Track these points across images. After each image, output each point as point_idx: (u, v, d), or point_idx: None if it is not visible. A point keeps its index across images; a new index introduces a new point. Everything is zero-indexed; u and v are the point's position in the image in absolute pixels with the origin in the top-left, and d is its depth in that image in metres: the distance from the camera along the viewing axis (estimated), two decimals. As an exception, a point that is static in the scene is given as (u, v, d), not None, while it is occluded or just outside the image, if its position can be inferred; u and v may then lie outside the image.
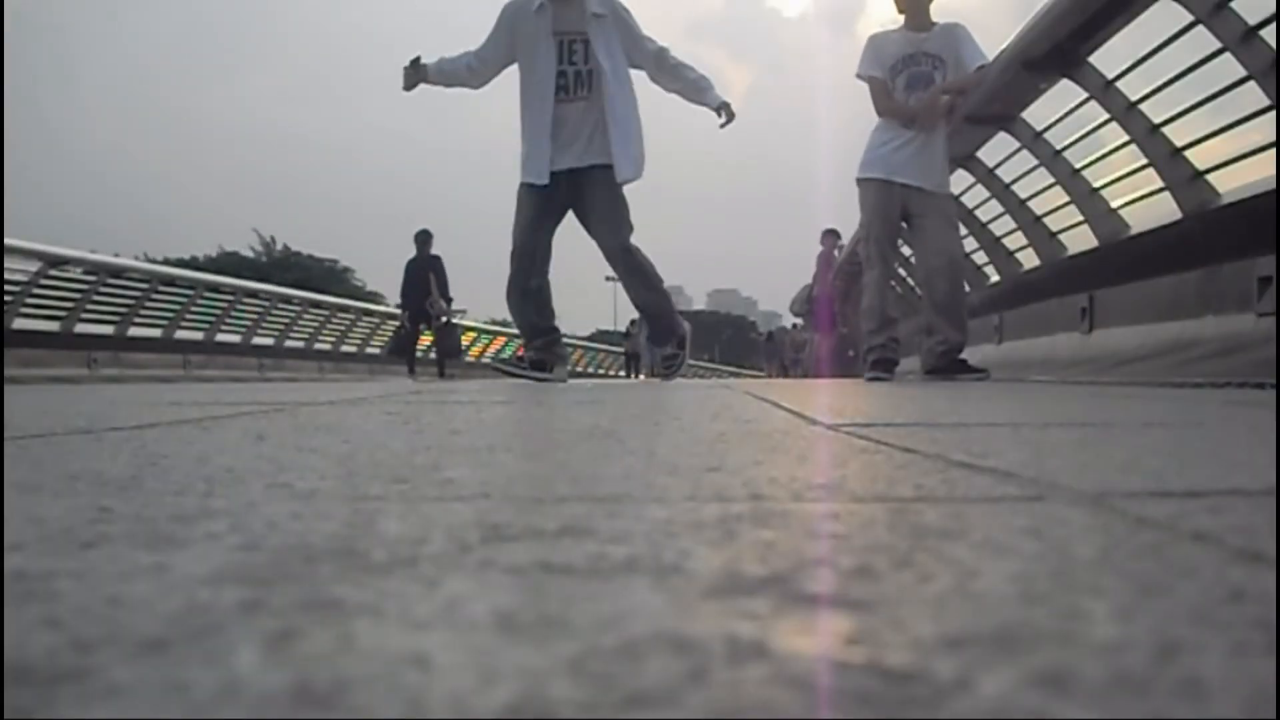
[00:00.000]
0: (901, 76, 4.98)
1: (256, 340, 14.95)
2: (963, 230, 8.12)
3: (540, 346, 4.69)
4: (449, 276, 10.95)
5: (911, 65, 4.97)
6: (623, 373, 20.11)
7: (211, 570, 0.51)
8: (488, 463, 1.02)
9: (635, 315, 19.61)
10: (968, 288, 8.55)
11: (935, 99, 4.89)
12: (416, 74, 4.64)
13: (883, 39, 5.05)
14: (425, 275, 10.66)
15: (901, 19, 5.01)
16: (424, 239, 10.93)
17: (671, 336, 4.96)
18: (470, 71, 4.66)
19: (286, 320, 15.87)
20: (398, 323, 11.84)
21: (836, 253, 11.63)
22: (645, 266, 4.65)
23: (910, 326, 6.96)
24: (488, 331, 22.58)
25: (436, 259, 10.89)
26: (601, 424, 1.65)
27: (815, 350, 12.25)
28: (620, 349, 27.53)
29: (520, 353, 4.86)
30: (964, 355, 5.01)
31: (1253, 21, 4.04)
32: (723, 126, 4.71)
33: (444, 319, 10.92)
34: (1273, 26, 3.93)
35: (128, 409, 2.16)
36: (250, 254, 51.30)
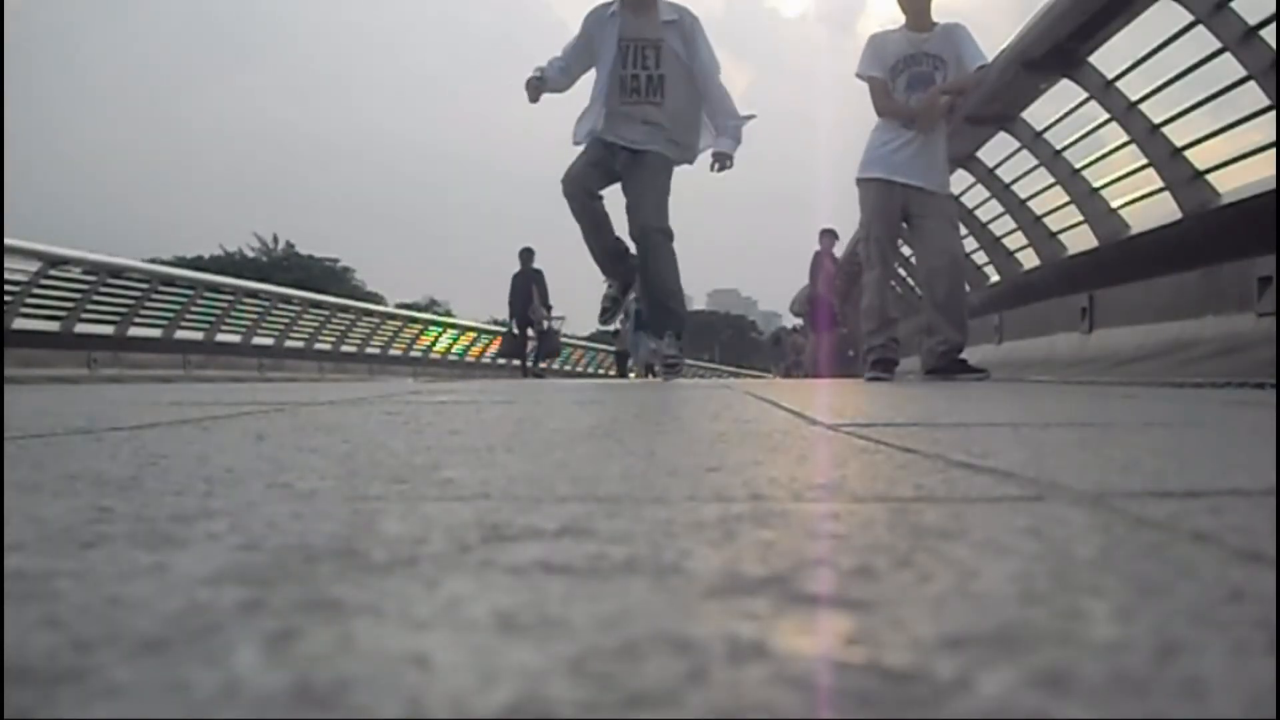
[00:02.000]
0: (902, 77, 4.98)
1: (256, 340, 14.95)
2: (963, 230, 8.12)
3: (614, 270, 4.91)
4: (546, 286, 12.49)
5: (912, 65, 4.97)
6: (613, 372, 20.10)
7: (211, 570, 0.51)
8: (488, 463, 1.02)
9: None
10: (968, 288, 8.56)
11: (935, 99, 4.89)
12: (538, 90, 4.81)
13: (883, 39, 5.05)
14: (529, 286, 12.22)
15: (902, 19, 5.01)
16: (528, 255, 12.42)
17: (672, 322, 5.01)
18: (560, 70, 4.84)
19: (286, 320, 15.87)
20: (505, 329, 13.67)
21: (835, 253, 11.61)
22: (672, 252, 4.80)
23: (910, 326, 6.96)
24: (488, 332, 22.56)
25: (538, 272, 12.40)
26: (601, 424, 1.65)
27: (815, 350, 12.24)
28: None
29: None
30: (964, 355, 5.01)
31: (1253, 21, 4.04)
32: (712, 170, 4.89)
33: (545, 324, 12.67)
34: (1273, 26, 3.93)
35: (128, 409, 2.16)
36: (250, 254, 51.33)
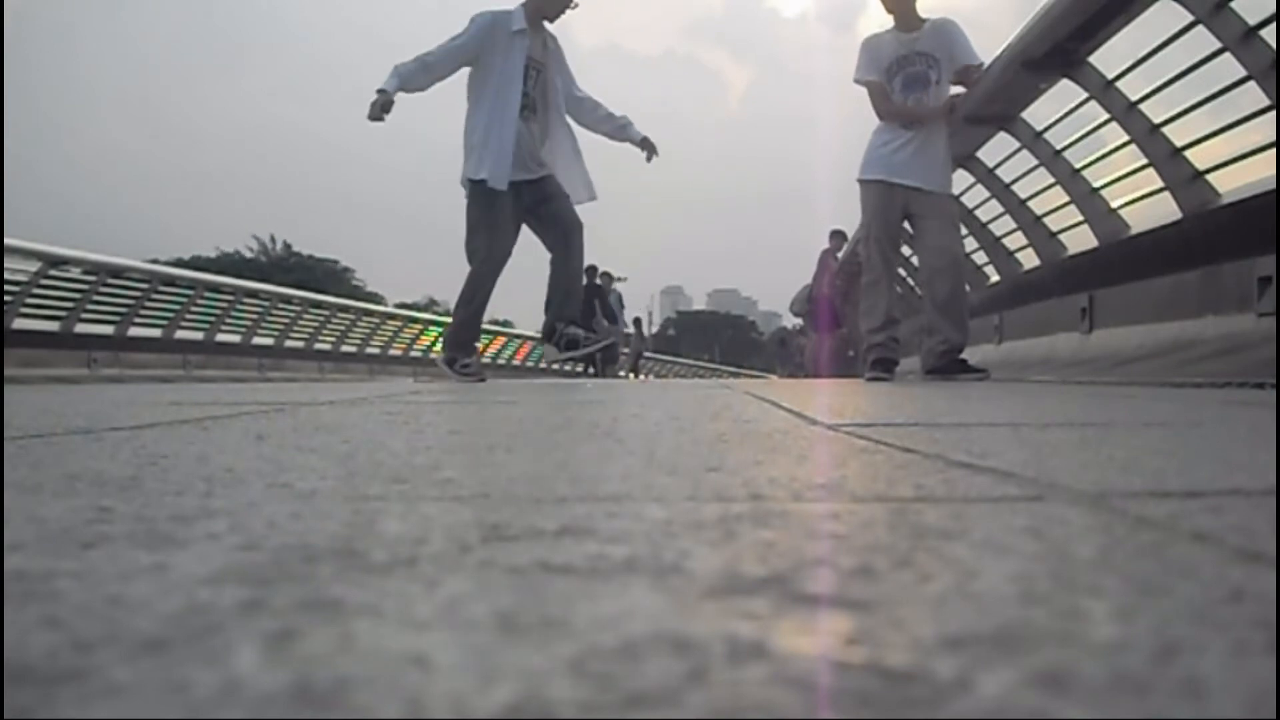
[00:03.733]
0: (898, 78, 5.00)
1: (256, 340, 14.94)
2: (963, 230, 8.12)
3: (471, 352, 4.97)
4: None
5: (906, 66, 4.99)
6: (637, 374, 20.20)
7: (211, 570, 0.51)
8: (488, 463, 1.02)
9: (636, 316, 19.98)
10: (968, 288, 8.55)
11: (942, 111, 4.96)
12: (385, 109, 4.70)
13: (876, 41, 5.06)
14: (592, 299, 13.64)
15: (890, 20, 5.04)
16: (590, 271, 13.94)
17: (574, 312, 5.03)
18: (426, 71, 4.75)
19: (286, 320, 15.86)
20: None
21: (837, 255, 11.62)
22: (580, 245, 4.88)
23: (911, 326, 6.96)
24: (488, 332, 22.57)
25: (600, 288, 14.31)
26: (601, 424, 1.65)
27: (815, 350, 12.24)
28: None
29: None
30: (964, 355, 5.01)
31: (1253, 21, 4.03)
32: (649, 160, 4.98)
33: (608, 336, 14.30)
34: (1273, 26, 3.93)
35: (128, 409, 2.16)
36: (249, 254, 51.35)
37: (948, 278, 5.04)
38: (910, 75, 4.98)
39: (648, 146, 5.01)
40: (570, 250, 4.88)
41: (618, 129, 5.02)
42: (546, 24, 4.82)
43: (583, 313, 14.33)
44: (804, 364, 14.07)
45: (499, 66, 4.71)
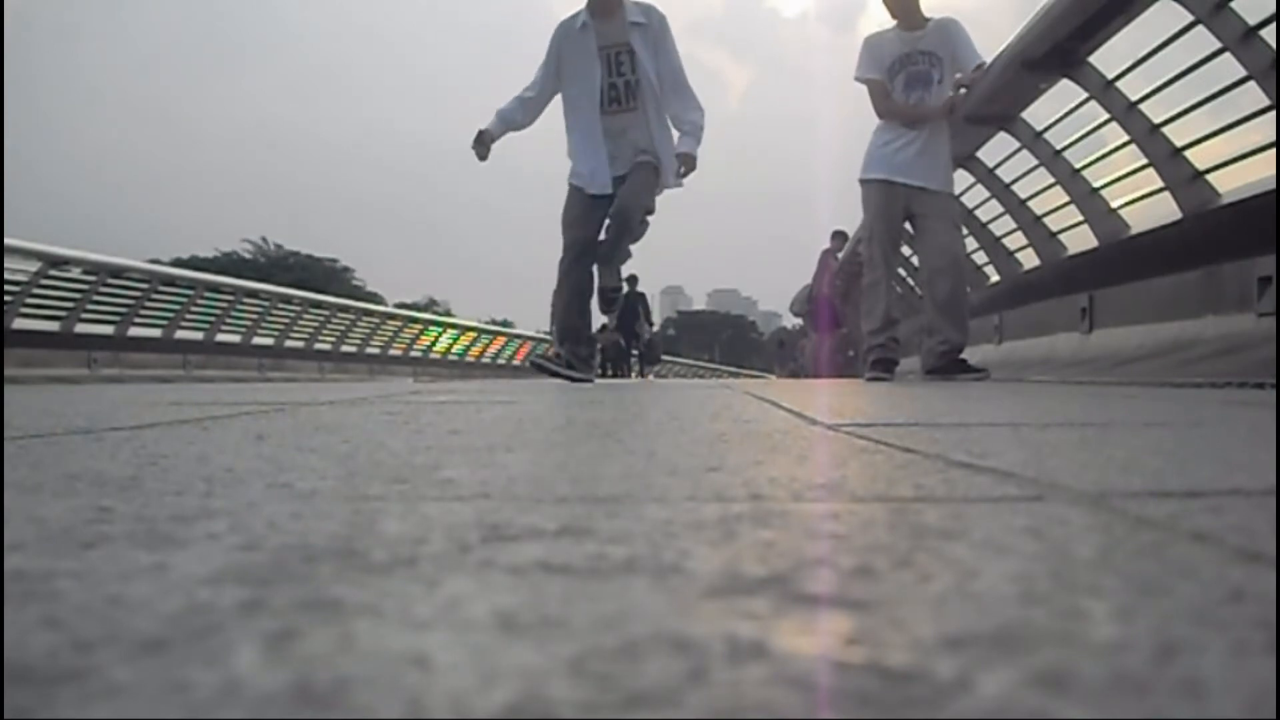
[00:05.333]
0: (900, 77, 5.00)
1: (256, 340, 14.94)
2: (963, 230, 8.12)
3: (573, 348, 4.79)
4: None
5: (909, 65, 4.99)
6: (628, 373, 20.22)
7: (211, 570, 0.51)
8: (488, 463, 1.02)
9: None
10: (969, 288, 8.55)
11: (944, 111, 4.96)
12: (483, 144, 4.74)
13: (878, 40, 5.06)
14: (635, 307, 14.80)
15: (893, 19, 5.04)
16: (632, 281, 14.73)
17: (613, 307, 4.96)
18: (523, 105, 4.76)
19: (286, 320, 15.86)
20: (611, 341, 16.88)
21: (838, 255, 11.61)
22: (635, 222, 4.72)
23: (911, 326, 6.96)
24: (488, 332, 22.57)
25: (642, 295, 15.44)
26: (601, 424, 1.65)
27: (815, 350, 12.24)
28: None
29: (550, 352, 4.93)
30: (964, 355, 5.01)
31: (1253, 21, 4.03)
32: (678, 175, 4.79)
33: (648, 338, 15.77)
34: (1273, 26, 3.93)
35: (128, 409, 2.16)
36: (247, 255, 51.44)
37: (948, 278, 5.04)
38: (913, 74, 4.98)
39: (684, 163, 4.76)
40: (610, 232, 4.70)
41: (678, 129, 4.79)
42: (634, 2, 4.65)
43: (625, 319, 15.08)
44: (804, 364, 14.07)
45: (574, 66, 4.65)
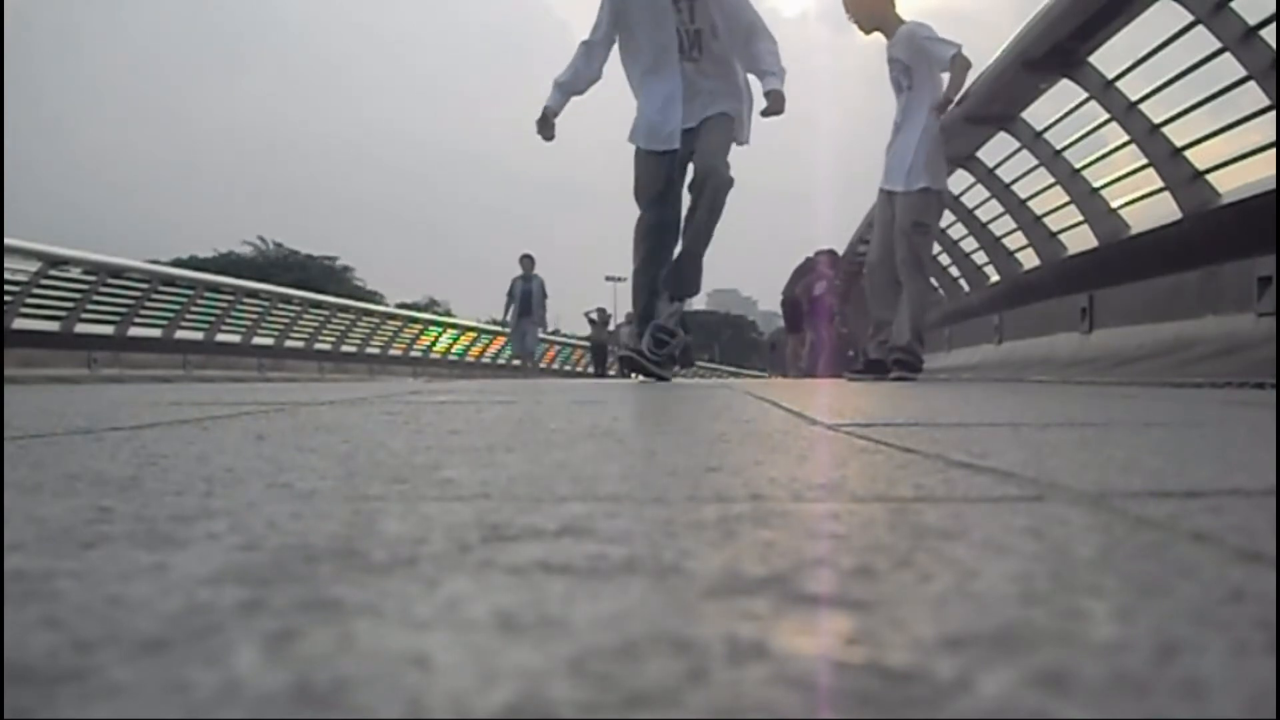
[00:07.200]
0: (891, 83, 5.20)
1: (256, 340, 14.95)
2: (963, 230, 8.13)
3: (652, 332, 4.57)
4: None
5: (890, 72, 5.19)
6: (607, 371, 20.25)
7: (211, 570, 0.51)
8: (488, 463, 1.02)
9: (601, 306, 20.16)
10: (967, 287, 8.56)
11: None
12: (546, 123, 4.56)
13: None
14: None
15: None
16: None
17: (692, 287, 4.71)
18: (588, 53, 4.54)
19: (286, 320, 15.87)
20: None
21: (828, 270, 11.55)
22: (721, 202, 4.48)
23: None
24: (488, 332, 22.59)
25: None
26: (601, 424, 1.65)
27: (794, 351, 12.22)
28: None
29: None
30: (907, 353, 5.16)
31: (1253, 21, 4.03)
32: (763, 114, 4.53)
33: (683, 345, 16.26)
34: (1273, 26, 3.93)
35: (128, 409, 2.16)
36: (248, 254, 51.52)
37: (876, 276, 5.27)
38: (893, 81, 5.19)
39: (772, 101, 4.46)
40: (696, 205, 4.46)
41: (759, 71, 4.53)
42: None
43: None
44: (786, 365, 14.05)
45: (640, 13, 4.42)
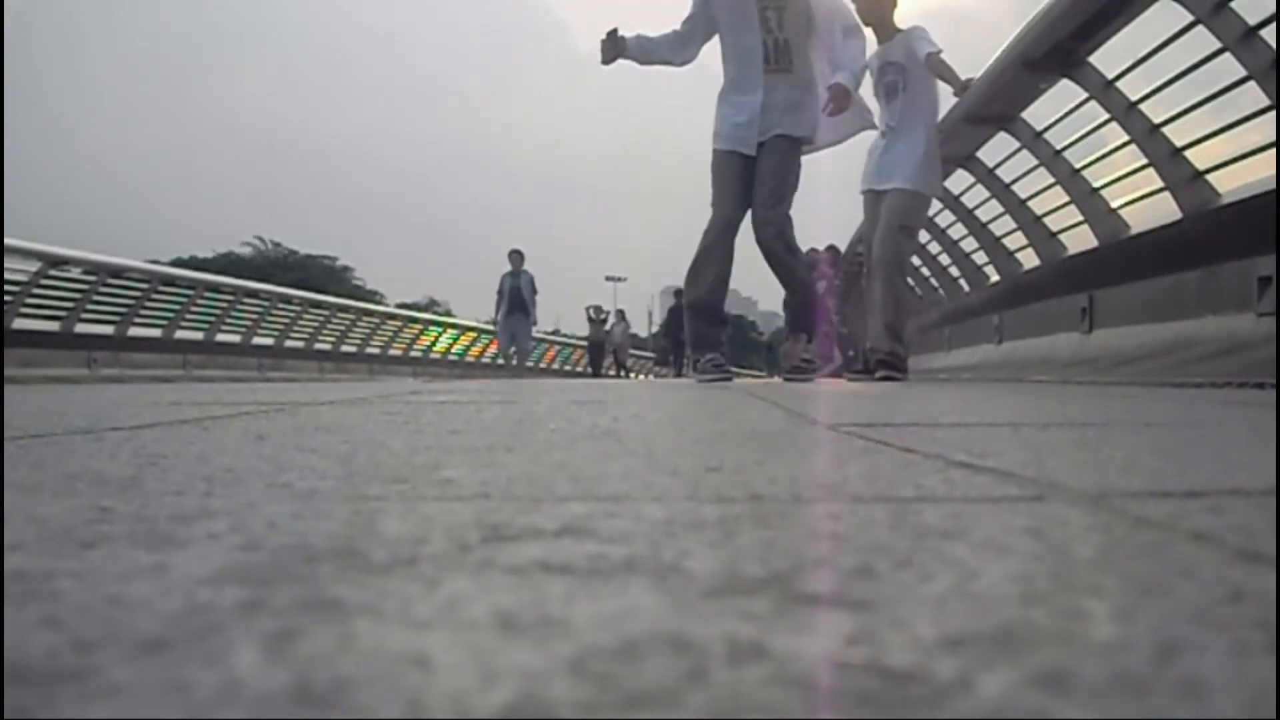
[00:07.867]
0: (880, 87, 5.26)
1: (256, 340, 14.95)
2: (963, 230, 8.13)
3: (707, 331, 4.61)
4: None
5: (884, 76, 5.25)
6: (609, 371, 20.22)
7: (211, 570, 0.51)
8: (488, 463, 1.02)
9: (598, 304, 20.22)
10: (967, 287, 8.56)
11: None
12: (615, 46, 4.45)
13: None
14: (680, 319, 15.78)
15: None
16: (678, 293, 17.09)
17: (810, 324, 4.76)
18: (672, 49, 4.50)
19: (286, 320, 15.87)
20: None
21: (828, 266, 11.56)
22: (777, 250, 4.48)
23: (912, 326, 6.98)
24: (487, 331, 22.58)
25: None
26: (601, 424, 1.65)
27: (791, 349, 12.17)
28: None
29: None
30: (892, 357, 5.17)
31: (1253, 21, 4.04)
32: (823, 109, 4.49)
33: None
34: (1273, 26, 3.93)
35: (128, 409, 2.16)
36: (248, 254, 51.54)
37: (875, 279, 5.26)
38: (887, 85, 5.23)
39: (831, 92, 4.42)
40: (771, 264, 4.49)
41: (836, 64, 4.50)
42: None
43: (673, 329, 15.18)
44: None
45: (730, 17, 4.37)
